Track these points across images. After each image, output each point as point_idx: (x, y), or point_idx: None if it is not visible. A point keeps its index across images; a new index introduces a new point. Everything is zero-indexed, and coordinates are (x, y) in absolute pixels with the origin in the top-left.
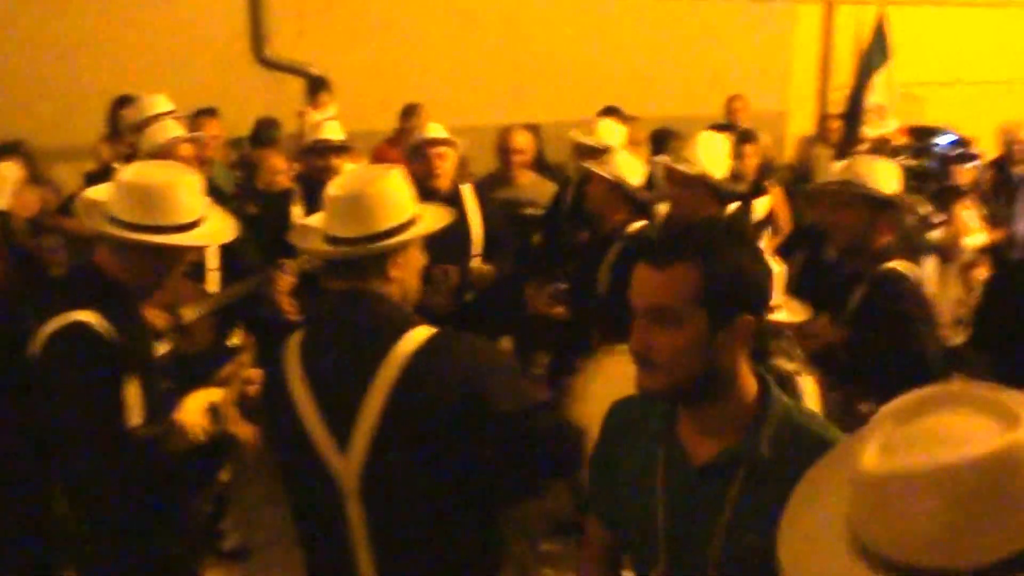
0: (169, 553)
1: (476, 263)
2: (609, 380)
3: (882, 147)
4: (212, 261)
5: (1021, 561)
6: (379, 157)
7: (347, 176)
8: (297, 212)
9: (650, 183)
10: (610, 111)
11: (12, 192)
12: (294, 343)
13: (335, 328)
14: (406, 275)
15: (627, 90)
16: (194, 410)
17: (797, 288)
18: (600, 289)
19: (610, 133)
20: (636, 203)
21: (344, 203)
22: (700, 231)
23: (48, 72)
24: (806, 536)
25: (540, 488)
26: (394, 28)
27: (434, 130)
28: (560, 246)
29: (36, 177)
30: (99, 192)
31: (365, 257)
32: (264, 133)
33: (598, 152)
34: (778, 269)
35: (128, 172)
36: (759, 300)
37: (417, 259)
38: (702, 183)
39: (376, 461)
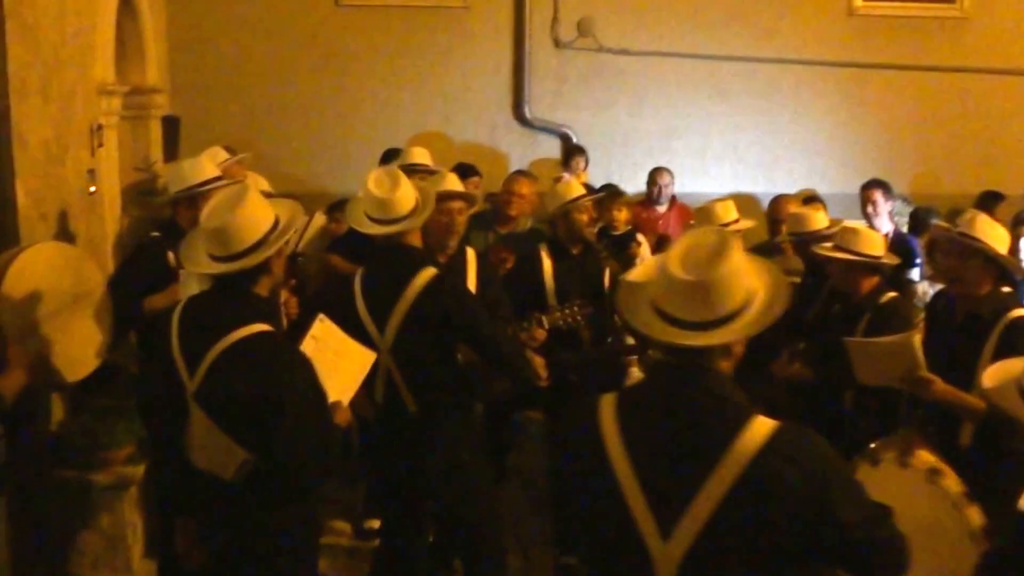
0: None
1: None
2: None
3: None
4: None
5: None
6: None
7: (687, 251)
8: (547, 265)
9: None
10: (876, 184)
11: (310, 239)
12: (608, 408)
13: (667, 403)
14: (739, 352)
15: (890, 166)
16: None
17: None
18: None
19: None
20: (884, 274)
21: (689, 288)
22: None
23: (328, 128)
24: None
25: None
26: (645, 96)
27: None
28: (810, 316)
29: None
30: None
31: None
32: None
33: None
34: None
35: None
36: None
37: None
38: (984, 256)
39: (701, 555)
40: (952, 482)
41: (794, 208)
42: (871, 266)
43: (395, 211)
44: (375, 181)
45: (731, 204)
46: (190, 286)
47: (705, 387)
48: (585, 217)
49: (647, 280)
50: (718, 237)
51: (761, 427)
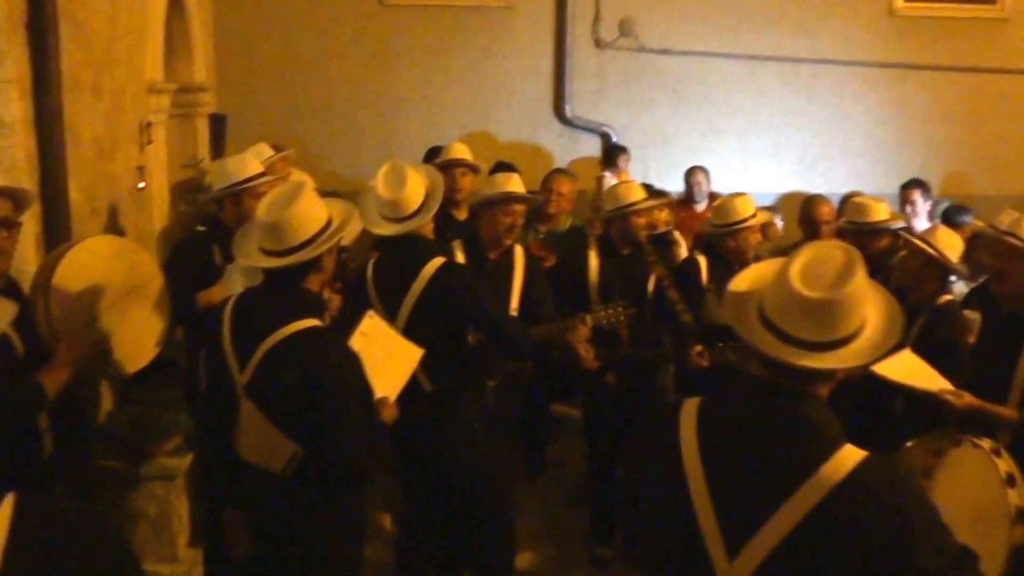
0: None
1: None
2: (962, 479)
3: None
4: (514, 301)
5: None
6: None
7: (810, 265)
8: (593, 263)
9: None
10: (915, 183)
11: (354, 235)
12: (689, 416)
13: (753, 420)
14: (840, 377)
15: (929, 166)
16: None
17: None
18: None
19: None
20: (947, 278)
21: (809, 306)
22: None
23: (373, 126)
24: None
25: None
26: (686, 95)
27: (744, 207)
28: None
29: None
30: None
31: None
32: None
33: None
34: None
35: None
36: None
37: None
38: None
39: None
40: (1003, 462)
41: (827, 207)
42: (948, 269)
43: (405, 209)
44: (384, 182)
45: (749, 198)
46: (234, 281)
47: (800, 412)
48: (643, 221)
49: (755, 289)
50: (845, 254)
51: (848, 457)
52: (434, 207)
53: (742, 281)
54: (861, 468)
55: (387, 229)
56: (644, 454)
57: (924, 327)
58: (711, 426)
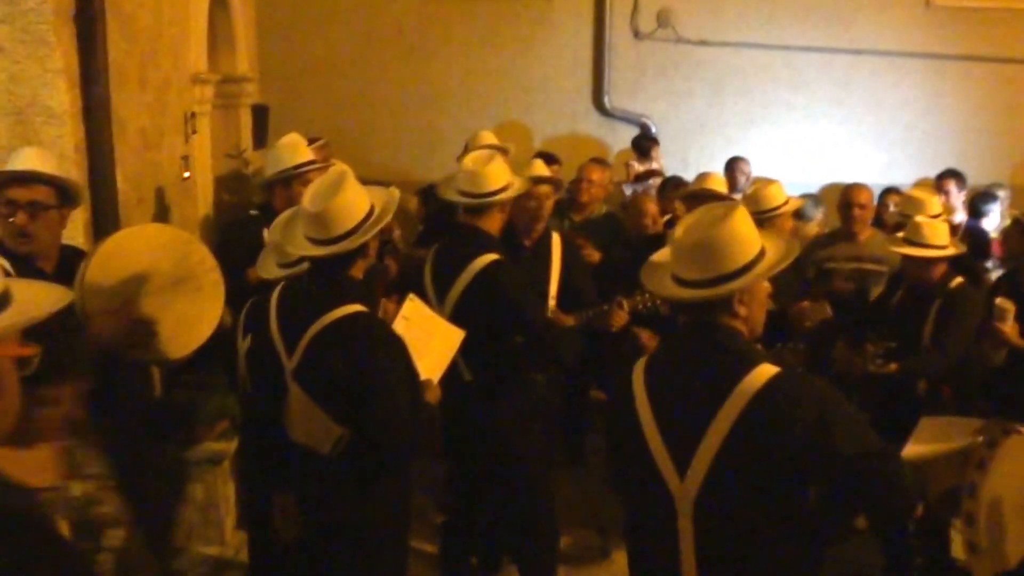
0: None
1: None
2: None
3: None
4: (552, 288)
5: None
6: None
7: (693, 220)
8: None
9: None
10: (950, 174)
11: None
12: (639, 368)
13: (682, 357)
14: (752, 310)
15: (965, 156)
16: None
17: None
18: (923, 345)
19: (934, 204)
20: (953, 261)
21: (690, 248)
22: None
23: (413, 117)
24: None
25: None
26: (723, 86)
27: (776, 194)
28: (883, 303)
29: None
30: None
31: (712, 298)
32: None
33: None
34: None
35: None
36: None
37: (763, 292)
38: None
39: (713, 488)
40: None
41: (864, 194)
42: (940, 258)
43: (485, 185)
44: (472, 158)
45: (780, 186)
46: (269, 263)
47: (714, 341)
48: None
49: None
50: (725, 207)
51: (764, 371)
52: (512, 193)
53: (660, 255)
54: (776, 378)
55: (464, 201)
56: (611, 412)
57: (939, 313)
58: (654, 372)
